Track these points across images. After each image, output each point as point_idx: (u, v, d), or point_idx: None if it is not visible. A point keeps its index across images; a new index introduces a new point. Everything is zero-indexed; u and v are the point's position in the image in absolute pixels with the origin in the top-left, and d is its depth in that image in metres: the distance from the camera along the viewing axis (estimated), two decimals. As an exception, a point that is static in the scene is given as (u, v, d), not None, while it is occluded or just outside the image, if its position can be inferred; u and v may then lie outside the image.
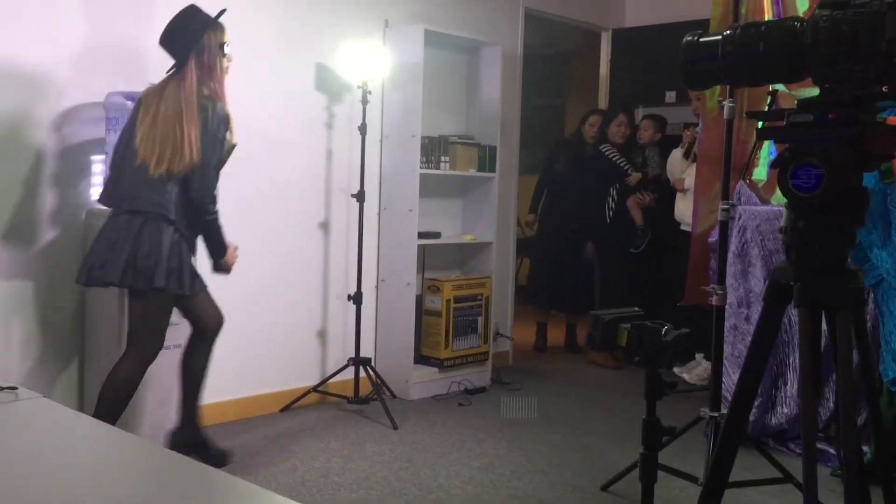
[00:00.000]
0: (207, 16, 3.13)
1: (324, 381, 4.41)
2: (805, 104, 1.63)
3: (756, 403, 3.78)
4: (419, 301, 4.77)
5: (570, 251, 5.85)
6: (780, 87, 3.78)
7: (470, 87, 5.21)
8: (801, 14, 3.95)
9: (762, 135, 1.72)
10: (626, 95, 6.21)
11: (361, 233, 4.41)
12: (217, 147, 3.11)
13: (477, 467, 3.58)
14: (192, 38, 3.07)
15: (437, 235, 4.86)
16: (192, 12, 3.14)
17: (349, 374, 4.40)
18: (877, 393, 1.84)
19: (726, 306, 3.72)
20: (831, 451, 3.59)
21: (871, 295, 3.43)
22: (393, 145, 4.70)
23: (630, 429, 3.98)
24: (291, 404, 4.32)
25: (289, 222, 4.36)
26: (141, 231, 2.99)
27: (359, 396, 4.37)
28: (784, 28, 1.63)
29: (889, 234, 3.25)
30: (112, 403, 2.98)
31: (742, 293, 3.86)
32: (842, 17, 1.52)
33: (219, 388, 4.05)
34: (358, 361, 4.38)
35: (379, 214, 4.75)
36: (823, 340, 1.72)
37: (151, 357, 3.09)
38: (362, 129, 4.35)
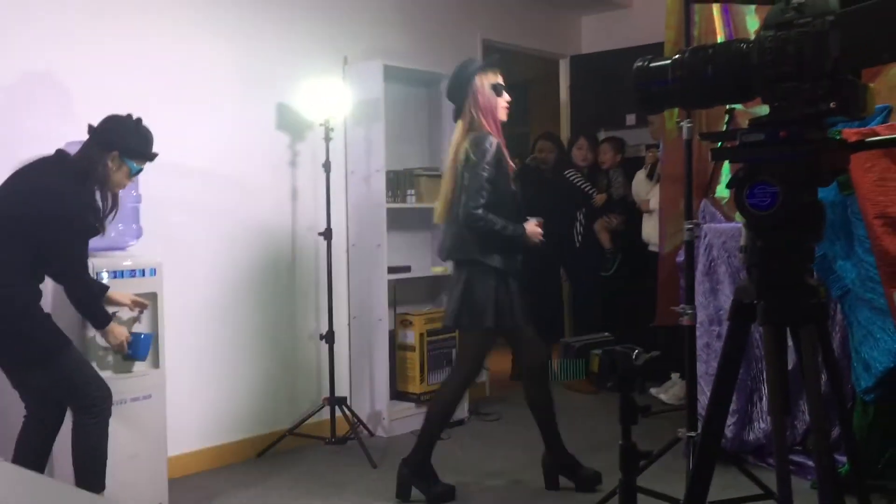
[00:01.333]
0: (477, 62, 3.70)
1: (299, 424, 4.35)
2: (757, 123, 1.65)
3: (733, 420, 3.78)
4: (392, 336, 4.74)
5: (538, 277, 5.88)
6: (737, 105, 3.83)
7: (432, 119, 5.23)
8: (752, 34, 4.03)
9: (717, 155, 1.74)
10: (588, 120, 6.28)
11: (330, 271, 4.39)
12: (477, 172, 3.45)
13: (458, 501, 3.54)
14: (462, 85, 3.53)
15: (406, 269, 4.85)
16: (463, 64, 3.62)
17: (325, 414, 4.35)
18: (847, 404, 1.84)
19: (698, 325, 3.74)
20: (810, 463, 3.59)
21: (839, 306, 3.46)
22: (358, 181, 4.69)
23: (611, 454, 3.93)
24: (268, 449, 4.25)
25: (256, 263, 4.33)
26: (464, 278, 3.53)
27: (336, 437, 4.32)
28: (731, 50, 1.65)
29: (852, 244, 3.29)
30: (439, 417, 3.64)
31: (712, 311, 3.88)
32: (786, 37, 1.55)
33: (193, 437, 3.99)
34: (333, 401, 4.33)
35: (347, 251, 4.73)
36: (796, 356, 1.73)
37: (470, 381, 3.76)
38: (326, 167, 4.35)
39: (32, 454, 3.06)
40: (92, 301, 3.08)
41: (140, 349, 3.23)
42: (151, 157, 3.19)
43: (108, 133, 3.09)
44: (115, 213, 3.16)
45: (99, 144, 3.07)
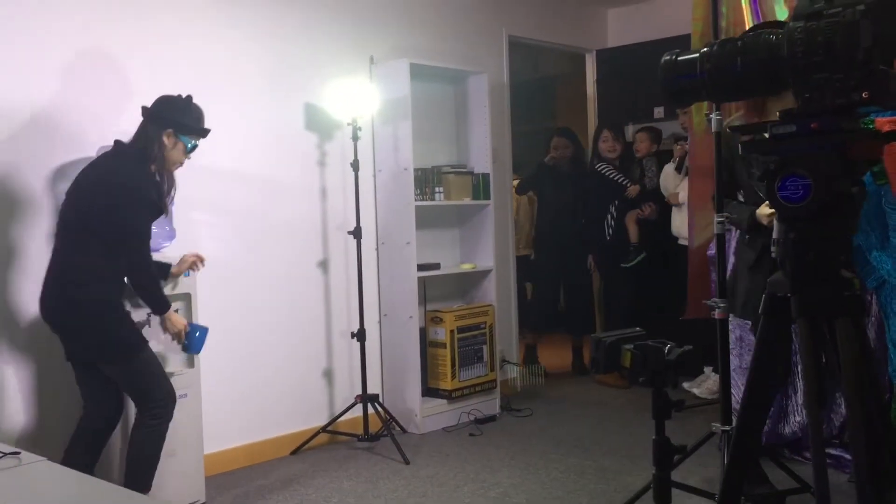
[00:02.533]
0: None
1: (333, 421, 4.39)
2: (787, 115, 1.63)
3: (768, 414, 3.75)
4: (423, 333, 4.76)
5: (567, 271, 5.90)
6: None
7: (459, 117, 5.24)
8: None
9: (747, 148, 1.73)
10: (616, 114, 6.25)
11: (361, 269, 4.42)
12: None
13: (493, 498, 3.55)
14: None
15: (436, 266, 4.86)
16: None
17: (358, 411, 4.38)
18: (884, 396, 1.82)
19: (730, 318, 3.71)
20: (847, 456, 3.55)
21: (875, 297, 3.42)
22: (386, 179, 4.72)
23: (644, 448, 3.94)
24: (302, 446, 4.29)
25: (288, 264, 4.37)
26: None
27: (369, 433, 4.35)
28: (760, 42, 1.64)
29: (887, 235, 3.24)
30: None
31: (745, 304, 3.84)
32: (816, 27, 1.54)
33: (228, 435, 4.04)
34: (366, 398, 4.36)
35: (377, 249, 4.76)
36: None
37: None
38: (354, 166, 4.38)
39: (84, 453, 3.13)
40: (155, 286, 3.17)
41: (195, 342, 3.30)
42: (204, 132, 3.26)
43: (161, 112, 3.17)
44: (174, 192, 3.26)
45: (153, 124, 3.16)
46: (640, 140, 5.71)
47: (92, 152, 3.46)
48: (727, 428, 3.32)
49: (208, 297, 3.76)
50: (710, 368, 5.06)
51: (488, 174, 5.06)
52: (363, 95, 4.40)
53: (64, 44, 3.57)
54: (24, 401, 3.43)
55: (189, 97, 3.22)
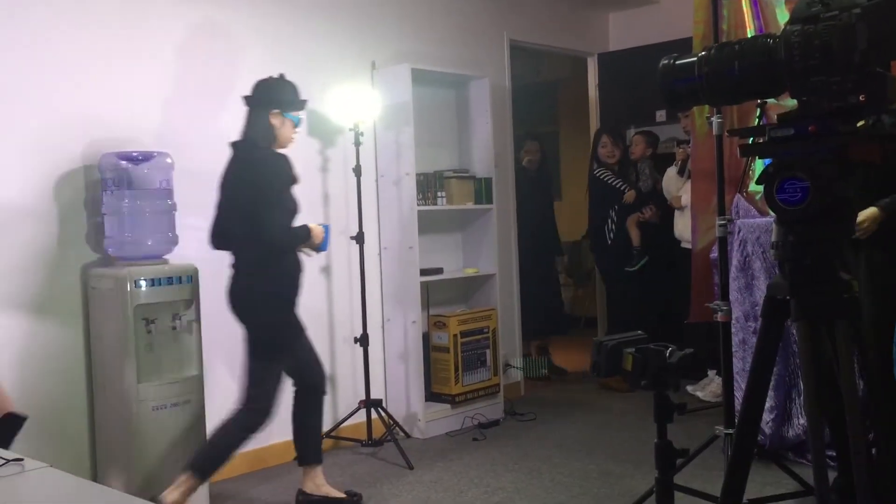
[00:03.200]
0: None
1: (336, 426, 4.39)
2: (785, 118, 1.64)
3: (772, 416, 3.75)
4: (426, 338, 4.76)
5: (535, 274, 5.92)
6: (769, 99, 3.80)
7: (461, 121, 5.25)
8: (782, 27, 3.98)
9: (745, 151, 1.73)
10: (617, 118, 6.25)
11: (363, 274, 4.42)
12: None
13: (496, 502, 3.55)
14: None
15: (439, 271, 4.86)
16: None
17: (361, 416, 4.39)
18: (882, 398, 1.82)
19: (733, 321, 3.71)
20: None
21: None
22: (388, 184, 4.72)
23: (648, 452, 3.92)
24: (305, 451, 4.29)
25: (290, 269, 4.37)
26: None
27: (372, 438, 4.35)
28: (757, 45, 1.65)
29: None
30: None
31: (748, 307, 3.84)
32: (813, 31, 1.54)
33: (231, 441, 4.04)
34: (369, 403, 4.36)
35: (380, 254, 4.76)
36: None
37: None
38: (357, 171, 4.39)
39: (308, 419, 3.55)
40: (293, 237, 3.33)
41: (325, 241, 3.48)
42: (303, 104, 3.45)
43: (262, 94, 3.36)
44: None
45: (258, 107, 3.34)
46: (636, 143, 5.73)
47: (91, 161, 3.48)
48: (730, 431, 3.32)
49: (211, 302, 3.76)
50: (714, 372, 5.05)
51: (490, 179, 5.07)
52: (365, 101, 4.41)
53: (68, 46, 3.59)
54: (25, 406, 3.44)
55: (282, 75, 3.39)
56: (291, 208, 3.33)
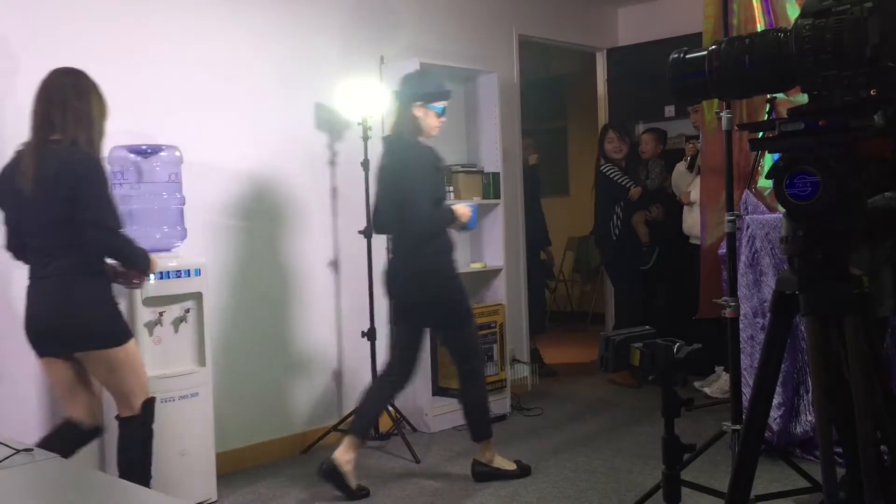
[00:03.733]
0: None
1: (343, 420, 4.40)
2: (796, 112, 1.63)
3: (779, 413, 3.74)
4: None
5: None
6: (779, 94, 3.78)
7: (469, 116, 5.24)
8: (793, 21, 3.96)
9: (755, 146, 1.73)
10: (626, 113, 6.24)
11: (371, 268, 4.43)
12: None
13: (503, 497, 3.56)
14: None
15: (446, 266, 4.86)
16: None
17: (368, 410, 4.39)
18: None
19: (742, 317, 3.70)
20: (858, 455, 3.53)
21: None
22: (397, 179, 4.71)
23: (655, 447, 3.93)
24: (313, 445, 4.31)
25: (298, 262, 4.38)
26: None
27: (379, 432, 4.36)
28: (768, 39, 1.64)
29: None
30: None
31: (756, 303, 3.83)
32: (824, 25, 1.53)
33: (240, 434, 4.06)
34: (376, 397, 4.36)
35: (387, 248, 4.76)
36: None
37: None
38: (365, 165, 4.39)
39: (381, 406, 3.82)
40: (439, 221, 3.59)
41: (472, 220, 3.67)
42: (446, 94, 3.63)
43: (405, 89, 3.63)
44: None
45: (403, 102, 3.60)
46: (646, 141, 5.71)
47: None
48: (738, 427, 3.32)
49: (219, 295, 3.78)
50: (722, 368, 5.04)
51: (498, 173, 5.07)
52: (373, 95, 4.41)
53: (77, 40, 3.60)
54: (37, 398, 3.46)
55: (423, 69, 3.74)
56: (436, 195, 3.58)
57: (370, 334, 4.40)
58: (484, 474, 3.74)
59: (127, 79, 3.74)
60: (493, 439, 3.78)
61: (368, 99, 4.39)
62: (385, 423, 4.39)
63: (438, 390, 4.76)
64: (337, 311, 4.55)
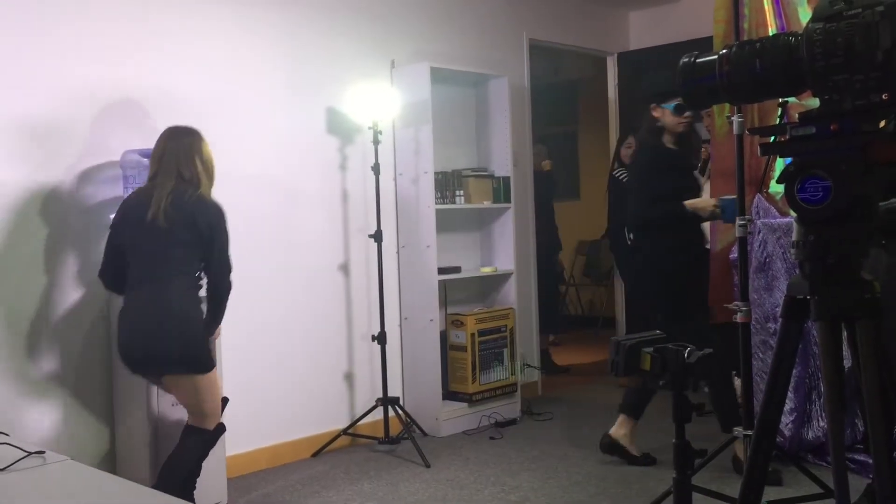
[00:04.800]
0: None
1: (353, 424, 4.41)
2: (807, 117, 1.62)
3: (791, 418, 3.72)
4: (443, 336, 4.77)
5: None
6: (790, 98, 3.76)
7: (479, 120, 5.25)
8: (804, 25, 3.94)
9: (766, 150, 1.72)
10: (637, 118, 6.22)
11: (381, 272, 4.43)
12: None
13: (513, 501, 3.55)
14: None
15: (457, 270, 4.87)
16: None
17: (378, 414, 4.40)
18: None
19: (753, 322, 3.68)
20: (871, 461, 3.50)
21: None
22: (407, 183, 4.73)
23: (666, 453, 3.93)
24: (323, 448, 4.32)
25: (309, 267, 4.39)
26: None
27: (389, 436, 4.36)
28: (779, 43, 1.63)
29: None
30: None
31: (768, 308, 3.81)
32: (835, 29, 1.53)
33: (250, 438, 4.07)
34: (386, 401, 4.37)
35: (398, 253, 4.77)
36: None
37: None
38: (375, 169, 4.40)
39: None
40: (657, 217, 3.83)
41: (729, 210, 3.58)
42: (676, 93, 3.65)
43: (645, 93, 3.92)
44: (700, 140, 4.29)
45: (645, 105, 3.89)
46: None
47: (115, 157, 3.52)
48: (750, 433, 3.30)
49: (230, 301, 3.78)
50: (734, 373, 5.01)
51: (509, 178, 5.07)
52: (384, 99, 4.42)
53: (87, 46, 3.62)
54: (48, 402, 3.48)
55: (656, 71, 3.93)
56: (662, 192, 3.75)
57: (380, 338, 4.40)
58: (610, 446, 3.95)
59: (140, 83, 3.76)
60: (505, 444, 3.77)
61: (379, 103, 4.40)
62: (395, 427, 4.39)
63: (449, 394, 4.76)
64: (347, 314, 4.56)
